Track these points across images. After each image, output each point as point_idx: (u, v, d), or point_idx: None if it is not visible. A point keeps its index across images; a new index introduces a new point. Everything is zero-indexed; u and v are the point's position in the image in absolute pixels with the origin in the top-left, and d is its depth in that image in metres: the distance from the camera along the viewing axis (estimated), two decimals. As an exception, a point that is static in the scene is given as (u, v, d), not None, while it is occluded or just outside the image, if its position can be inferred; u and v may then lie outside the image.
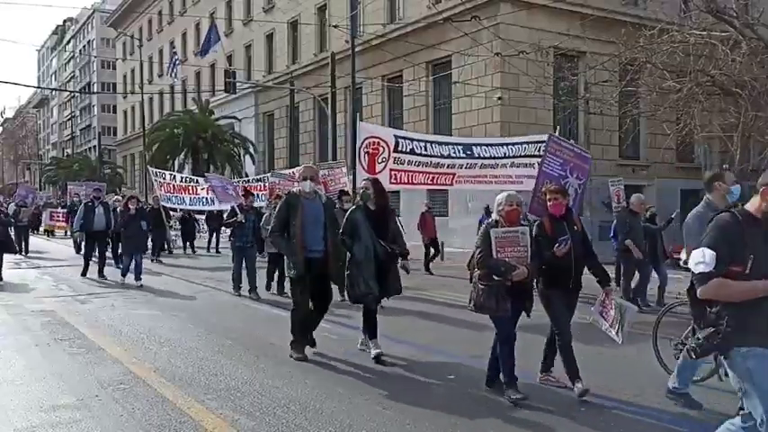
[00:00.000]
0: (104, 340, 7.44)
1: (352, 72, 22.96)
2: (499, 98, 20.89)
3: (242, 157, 35.57)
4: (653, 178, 23.60)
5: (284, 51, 34.77)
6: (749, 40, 13.59)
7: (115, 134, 65.88)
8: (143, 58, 45.47)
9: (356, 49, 23.56)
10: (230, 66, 32.01)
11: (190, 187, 16.92)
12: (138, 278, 12.22)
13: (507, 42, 19.95)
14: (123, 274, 12.51)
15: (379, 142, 10.47)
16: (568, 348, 5.31)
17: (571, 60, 22.18)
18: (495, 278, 5.07)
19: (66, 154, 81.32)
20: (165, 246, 19.42)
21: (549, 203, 5.47)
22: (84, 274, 13.63)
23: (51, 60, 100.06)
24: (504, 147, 10.99)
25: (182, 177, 17.28)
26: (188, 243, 21.38)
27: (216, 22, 33.31)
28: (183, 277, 14.23)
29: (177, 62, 33.29)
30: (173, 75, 32.99)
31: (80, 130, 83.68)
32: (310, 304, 6.67)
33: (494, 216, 5.39)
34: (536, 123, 21.06)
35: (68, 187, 26.77)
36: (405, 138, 10.84)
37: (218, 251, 20.78)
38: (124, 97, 58.18)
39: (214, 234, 21.52)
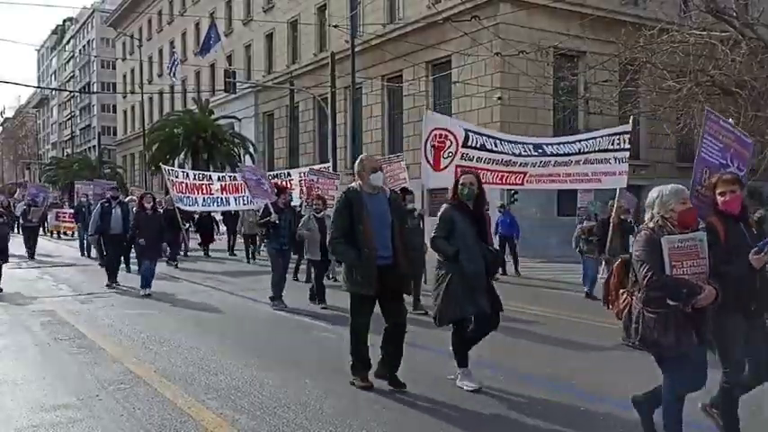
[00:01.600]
0: (104, 340, 7.44)
1: (352, 72, 22.98)
2: (499, 98, 20.90)
3: (242, 157, 35.57)
4: (653, 178, 23.55)
5: (284, 51, 34.78)
6: (749, 39, 13.60)
7: (115, 134, 65.90)
8: (143, 58, 45.50)
9: (356, 49, 23.58)
10: (230, 65, 32.04)
11: (203, 186, 15.58)
12: (147, 287, 11.05)
13: (507, 42, 19.96)
14: (144, 285, 11.04)
15: (446, 135, 9.52)
16: (733, 396, 4.07)
17: (571, 60, 22.21)
18: (671, 303, 3.77)
19: (65, 154, 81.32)
20: (182, 249, 18.14)
21: (720, 198, 4.11)
22: (110, 282, 11.99)
23: (51, 60, 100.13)
24: (578, 143, 10.18)
25: (194, 174, 15.92)
26: (207, 246, 20.03)
27: (216, 22, 33.30)
28: (186, 279, 14.21)
29: (177, 62, 33.31)
30: (173, 74, 32.99)
31: (80, 129, 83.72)
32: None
33: (649, 218, 3.95)
34: (536, 123, 21.08)
35: (76, 186, 25.55)
36: (475, 132, 9.85)
37: (233, 253, 19.81)
38: (124, 97, 58.23)
39: (232, 236, 20.34)
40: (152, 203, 11.42)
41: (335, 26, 24.51)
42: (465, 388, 5.36)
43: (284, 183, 15.73)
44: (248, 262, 17.52)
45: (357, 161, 5.58)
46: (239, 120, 37.39)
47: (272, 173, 16.85)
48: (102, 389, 5.41)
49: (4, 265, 11.70)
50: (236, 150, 35.73)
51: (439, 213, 5.49)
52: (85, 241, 18.50)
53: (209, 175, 16.38)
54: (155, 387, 5.45)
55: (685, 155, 23.39)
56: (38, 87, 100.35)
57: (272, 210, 10.18)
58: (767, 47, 13.59)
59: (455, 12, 22.32)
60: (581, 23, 20.45)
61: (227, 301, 10.82)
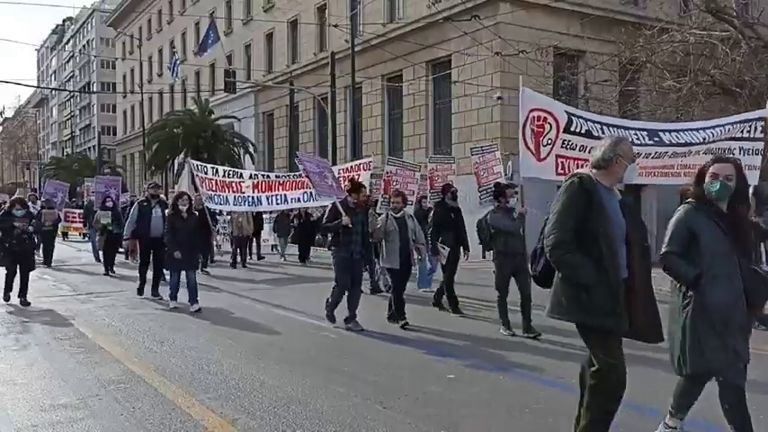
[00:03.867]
0: (104, 339, 7.44)
1: (351, 72, 23.01)
2: (499, 98, 20.91)
3: (242, 157, 35.61)
4: (653, 178, 23.62)
5: (284, 51, 34.80)
6: (749, 39, 13.61)
7: (115, 134, 65.91)
8: (142, 58, 45.54)
9: (356, 49, 23.60)
10: (230, 65, 32.07)
11: (233, 183, 13.88)
12: (193, 301, 9.63)
13: (507, 42, 19.96)
14: (173, 297, 9.88)
15: (545, 118, 8.18)
16: None
17: (571, 60, 22.21)
18: None
19: (65, 154, 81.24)
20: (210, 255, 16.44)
21: None
22: (140, 291, 11.05)
23: (51, 60, 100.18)
24: (704, 131, 8.79)
25: (225, 171, 14.32)
26: (239, 250, 18.12)
27: (215, 22, 33.34)
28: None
29: (177, 61, 33.32)
30: (174, 74, 32.99)
31: (80, 129, 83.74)
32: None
33: None
34: (536, 123, 21.06)
35: (86, 184, 23.09)
36: (579, 116, 8.41)
37: (260, 257, 18.68)
38: (124, 97, 58.25)
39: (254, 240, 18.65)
40: (188, 206, 10.03)
41: (335, 26, 24.53)
42: None
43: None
44: (234, 266, 16.50)
45: (610, 143, 3.77)
46: (239, 120, 37.39)
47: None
48: (102, 388, 5.41)
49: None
50: (236, 150, 35.77)
51: (673, 217, 3.91)
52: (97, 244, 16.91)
53: (240, 173, 14.72)
54: (155, 387, 5.45)
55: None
56: (38, 87, 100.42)
57: (341, 210, 8.19)
58: (767, 46, 13.59)
59: (455, 11, 22.30)
60: (581, 23, 20.48)
61: (228, 302, 10.81)
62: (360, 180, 12.48)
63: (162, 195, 12.11)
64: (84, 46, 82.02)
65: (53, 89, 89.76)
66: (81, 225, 21.26)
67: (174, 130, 35.22)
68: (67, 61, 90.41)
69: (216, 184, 13.50)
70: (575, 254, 3.54)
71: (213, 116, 36.50)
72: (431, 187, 12.30)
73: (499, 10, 21.22)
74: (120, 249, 14.03)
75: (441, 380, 5.74)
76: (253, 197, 13.55)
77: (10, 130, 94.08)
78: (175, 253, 9.61)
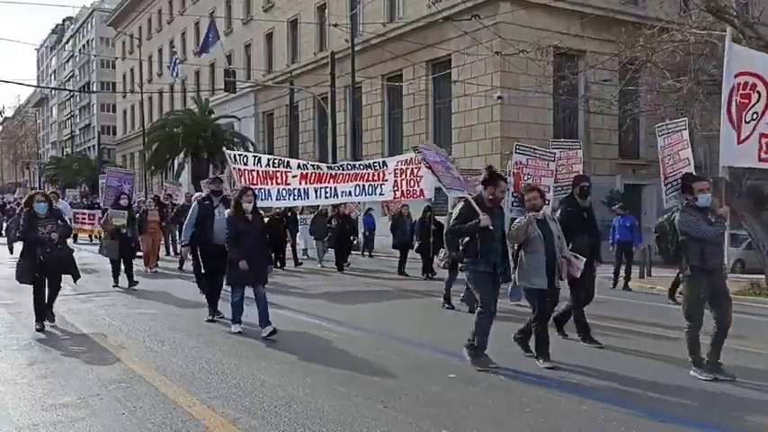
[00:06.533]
0: (105, 339, 7.44)
1: (351, 71, 23.03)
2: (499, 97, 20.92)
3: (241, 157, 35.61)
4: (653, 177, 23.65)
5: (284, 50, 34.81)
6: (749, 39, 13.60)
7: (115, 133, 65.96)
8: (142, 58, 45.52)
9: (356, 49, 23.63)
10: (230, 65, 32.09)
11: (278, 174, 12.20)
12: (265, 323, 7.74)
13: (507, 41, 19.96)
14: (237, 319, 8.02)
15: (754, 85, 6.20)
16: None
17: (571, 59, 22.23)
18: None
19: (65, 153, 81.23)
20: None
21: None
22: (213, 315, 8.80)
23: (51, 59, 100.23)
24: None
25: (269, 160, 12.61)
26: (277, 256, 15.89)
27: (215, 22, 33.34)
28: (186, 279, 14.17)
29: (177, 61, 33.33)
30: (174, 74, 32.99)
31: (79, 129, 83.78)
32: None
33: None
34: (536, 123, 21.12)
35: (101, 181, 19.81)
36: None
37: (283, 264, 16.57)
38: (123, 96, 58.28)
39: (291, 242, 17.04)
40: (253, 203, 7.96)
41: (335, 25, 24.55)
42: None
43: (378, 174, 12.14)
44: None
45: None
46: (239, 119, 37.40)
47: (365, 162, 13.48)
48: (102, 387, 5.41)
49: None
50: (236, 150, 35.80)
51: None
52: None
53: (287, 161, 13.08)
54: (155, 386, 5.45)
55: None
56: (37, 87, 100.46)
57: (476, 207, 6.24)
58: (767, 46, 13.58)
59: (455, 11, 22.32)
60: (581, 23, 20.50)
61: (228, 302, 10.78)
62: (421, 179, 10.89)
63: (225, 191, 9.87)
64: (83, 46, 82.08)
65: (53, 89, 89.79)
66: (91, 227, 20.14)
67: (174, 130, 35.23)
68: (67, 61, 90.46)
69: (258, 175, 12.00)
70: None
71: (213, 116, 36.51)
72: (554, 180, 9.74)
73: (499, 9, 21.25)
74: (139, 253, 12.84)
75: (441, 380, 5.74)
76: (299, 189, 12.29)
77: (10, 130, 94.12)
78: (241, 262, 7.68)
